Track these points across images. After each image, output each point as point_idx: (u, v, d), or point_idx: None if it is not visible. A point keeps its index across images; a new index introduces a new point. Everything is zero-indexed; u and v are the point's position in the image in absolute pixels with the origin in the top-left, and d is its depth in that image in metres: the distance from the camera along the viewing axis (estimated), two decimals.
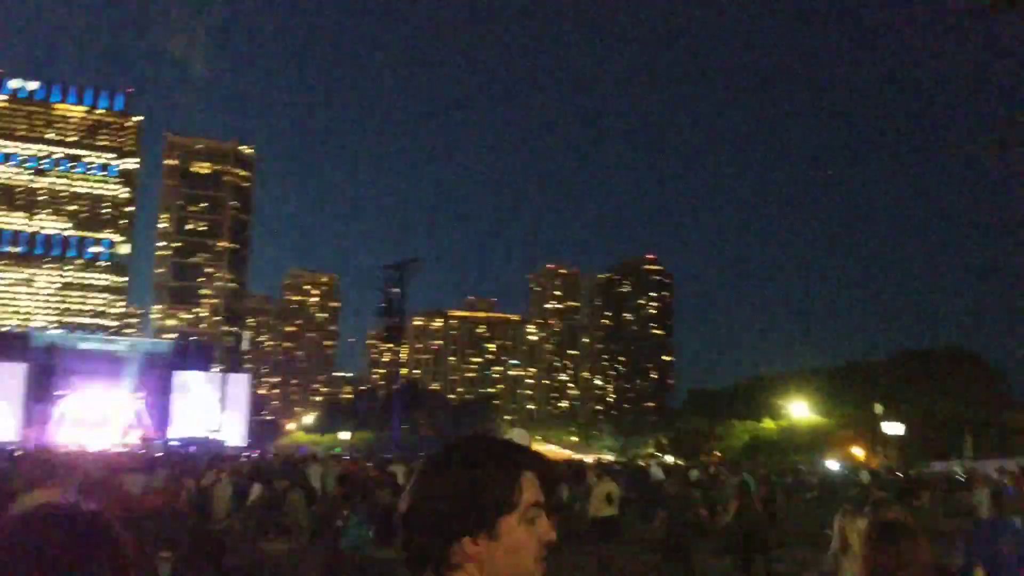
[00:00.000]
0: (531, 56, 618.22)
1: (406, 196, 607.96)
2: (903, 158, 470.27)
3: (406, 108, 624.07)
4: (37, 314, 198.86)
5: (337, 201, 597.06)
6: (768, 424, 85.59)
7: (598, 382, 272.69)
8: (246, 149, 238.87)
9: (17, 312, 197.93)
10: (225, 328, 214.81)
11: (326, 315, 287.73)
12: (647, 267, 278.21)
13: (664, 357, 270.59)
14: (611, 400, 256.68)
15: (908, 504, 21.01)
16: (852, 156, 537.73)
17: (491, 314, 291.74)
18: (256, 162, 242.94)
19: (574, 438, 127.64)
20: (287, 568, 14.82)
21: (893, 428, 52.93)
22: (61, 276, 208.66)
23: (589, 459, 55.56)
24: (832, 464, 55.58)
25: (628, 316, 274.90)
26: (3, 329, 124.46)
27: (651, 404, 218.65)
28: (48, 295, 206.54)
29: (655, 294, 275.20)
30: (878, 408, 54.28)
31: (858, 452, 64.67)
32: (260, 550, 15.96)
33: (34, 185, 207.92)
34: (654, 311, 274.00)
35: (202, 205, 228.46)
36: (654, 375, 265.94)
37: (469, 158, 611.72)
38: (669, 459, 76.35)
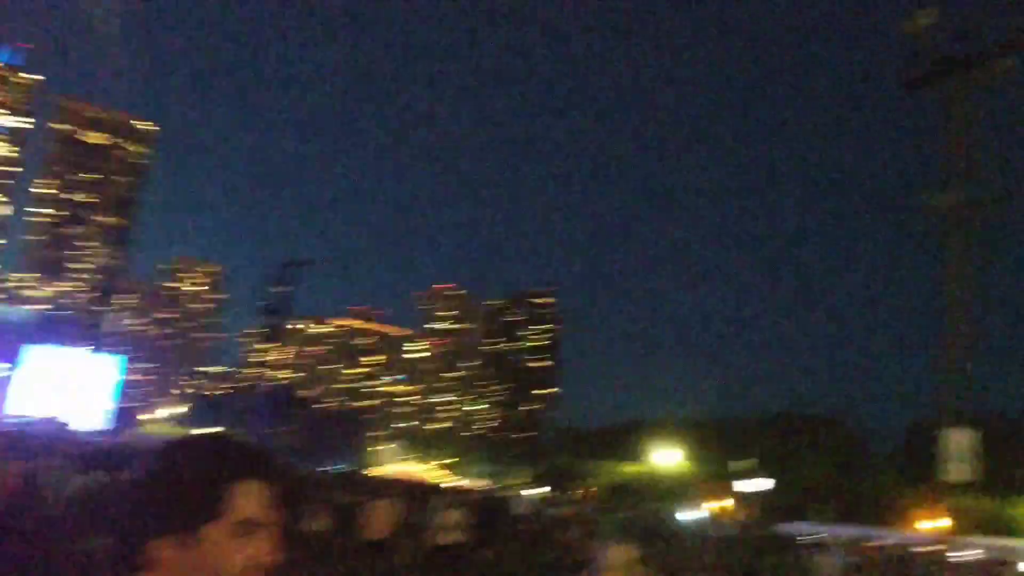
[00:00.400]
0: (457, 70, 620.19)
1: (304, 196, 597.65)
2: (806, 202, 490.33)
3: (325, 110, 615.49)
4: None
5: (233, 195, 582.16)
6: (637, 467, 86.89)
7: (479, 407, 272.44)
8: (144, 124, 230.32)
9: None
10: (98, 306, 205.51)
11: (208, 307, 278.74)
12: (538, 299, 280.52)
13: (545, 390, 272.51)
14: (492, 426, 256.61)
15: (758, 561, 21.26)
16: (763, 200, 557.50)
17: (377, 326, 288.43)
18: (154, 141, 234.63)
19: (451, 460, 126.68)
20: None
21: (759, 484, 54.34)
22: None
23: (466, 483, 55.01)
24: (694, 513, 56.52)
25: (515, 345, 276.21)
26: None
27: (530, 434, 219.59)
28: None
29: (545, 326, 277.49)
30: (749, 463, 55.79)
31: (722, 503, 66.07)
32: (83, 547, 14.72)
33: None
34: (542, 343, 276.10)
35: (90, 176, 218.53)
36: (535, 406, 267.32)
37: (379, 163, 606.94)
38: (538, 492, 76.52)
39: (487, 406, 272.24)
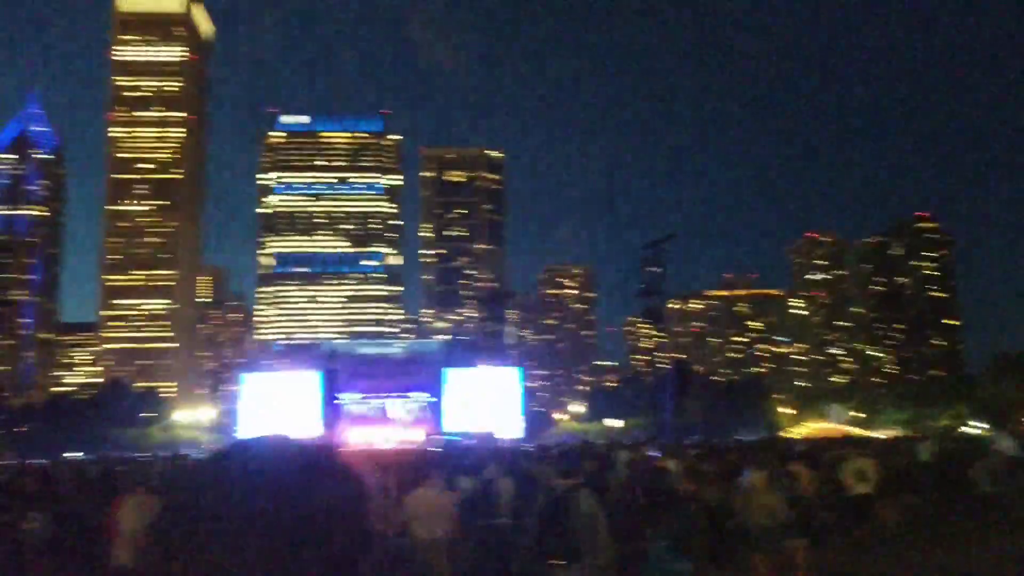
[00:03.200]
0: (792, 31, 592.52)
1: (654, 180, 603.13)
2: None
3: (645, 87, 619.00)
4: (326, 326, 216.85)
5: (584, 192, 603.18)
6: None
7: (876, 353, 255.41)
8: (494, 153, 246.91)
9: (307, 326, 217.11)
10: (492, 325, 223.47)
11: (584, 306, 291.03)
12: (921, 225, 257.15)
13: (948, 321, 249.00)
14: (893, 371, 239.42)
15: None
16: None
17: (752, 291, 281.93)
18: (505, 164, 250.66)
19: (858, 414, 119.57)
20: None
21: None
22: (344, 290, 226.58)
23: (881, 435, 51.38)
24: None
25: (902, 280, 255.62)
26: (298, 342, 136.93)
27: (939, 372, 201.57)
28: (334, 309, 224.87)
29: (932, 254, 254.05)
30: None
31: None
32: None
33: (311, 210, 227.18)
34: (932, 273, 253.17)
35: (459, 211, 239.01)
36: (939, 341, 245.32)
37: (715, 135, 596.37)
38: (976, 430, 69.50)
39: (887, 349, 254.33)
